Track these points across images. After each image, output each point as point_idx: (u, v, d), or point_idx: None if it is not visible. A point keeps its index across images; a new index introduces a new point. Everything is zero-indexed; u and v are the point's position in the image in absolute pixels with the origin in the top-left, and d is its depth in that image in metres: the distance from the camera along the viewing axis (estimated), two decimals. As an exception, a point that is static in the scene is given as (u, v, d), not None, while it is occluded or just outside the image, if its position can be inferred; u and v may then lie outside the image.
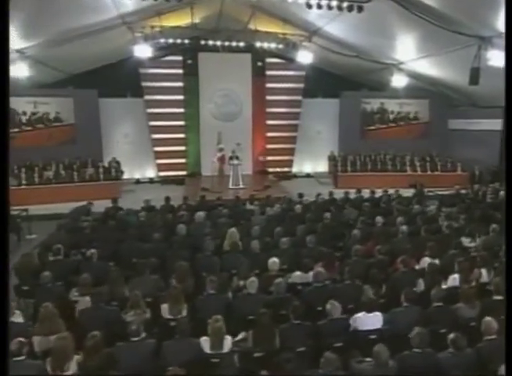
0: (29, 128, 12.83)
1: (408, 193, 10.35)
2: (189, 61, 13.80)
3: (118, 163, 13.14)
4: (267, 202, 8.23)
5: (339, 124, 14.88)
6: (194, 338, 3.41)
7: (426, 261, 5.31)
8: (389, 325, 3.81)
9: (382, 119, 14.84)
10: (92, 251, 5.20)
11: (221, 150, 13.54)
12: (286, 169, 15.00)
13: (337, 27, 10.78)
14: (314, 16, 10.34)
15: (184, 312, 4.00)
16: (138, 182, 14.03)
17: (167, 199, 8.35)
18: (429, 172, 13.08)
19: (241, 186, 12.07)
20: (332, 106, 14.82)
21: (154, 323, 3.97)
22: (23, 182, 11.28)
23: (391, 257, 5.37)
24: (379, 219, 6.69)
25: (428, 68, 11.95)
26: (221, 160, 13.44)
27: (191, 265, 5.27)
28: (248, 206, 8.32)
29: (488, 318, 3.54)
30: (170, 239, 5.85)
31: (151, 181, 14.20)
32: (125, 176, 13.68)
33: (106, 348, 3.20)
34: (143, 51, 11.10)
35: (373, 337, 3.69)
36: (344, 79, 14.67)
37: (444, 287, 4.79)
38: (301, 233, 6.18)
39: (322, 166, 14.86)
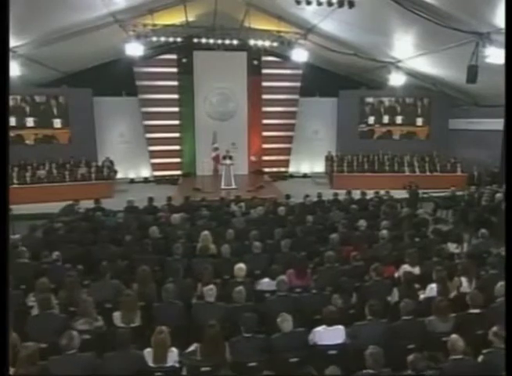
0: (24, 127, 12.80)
1: (403, 194, 10.07)
2: (184, 60, 13.65)
3: (112, 162, 13.07)
4: (251, 204, 8.00)
5: (337, 123, 14.59)
6: (137, 350, 3.22)
7: (405, 268, 5.07)
8: (352, 340, 3.58)
9: (381, 118, 14.49)
10: (57, 253, 5.05)
11: (216, 149, 13.39)
12: (282, 169, 14.78)
13: (333, 24, 10.53)
14: (308, 13, 10.10)
15: (137, 321, 3.83)
16: (132, 181, 13.96)
17: (150, 199, 8.20)
18: (428, 173, 12.73)
19: (233, 187, 11.88)
20: (330, 105, 14.54)
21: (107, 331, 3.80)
22: (15, 181, 11.26)
23: (368, 264, 5.12)
24: (362, 223, 6.43)
25: (426, 66, 11.60)
26: (216, 159, 13.28)
27: (160, 270, 5.12)
28: (233, 207, 8.12)
29: (454, 336, 3.28)
30: (141, 242, 5.67)
31: (146, 180, 14.11)
32: (120, 176, 13.63)
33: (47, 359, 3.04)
34: (135, 49, 10.96)
35: (332, 352, 3.47)
36: (342, 78, 14.39)
37: (422, 296, 4.56)
38: (278, 237, 5.96)
39: (320, 166, 14.57)
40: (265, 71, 14.10)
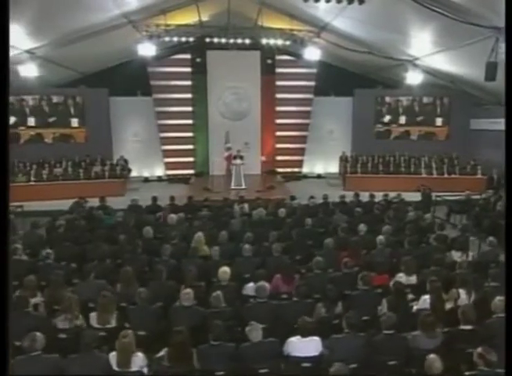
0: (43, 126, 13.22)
1: (416, 197, 9.68)
2: (198, 59, 13.69)
3: (126, 161, 13.31)
4: (253, 205, 7.90)
5: (352, 123, 14.23)
6: (102, 353, 3.21)
7: (400, 277, 4.84)
8: (328, 353, 3.42)
9: (398, 118, 14.02)
10: (48, 251, 5.14)
11: (228, 149, 13.36)
12: (296, 170, 14.58)
13: (346, 22, 10.29)
14: (320, 10, 9.91)
15: (113, 322, 3.82)
16: (146, 180, 14.14)
17: (154, 199, 8.26)
18: (446, 175, 12.19)
19: (243, 187, 11.81)
20: (345, 104, 14.21)
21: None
22: (32, 178, 11.65)
23: (360, 271, 4.91)
24: (362, 227, 6.20)
25: (445, 63, 11.10)
26: (229, 159, 13.24)
27: (150, 270, 5.12)
28: (235, 208, 8.03)
29: (432, 356, 3.05)
30: (134, 241, 5.68)
31: (159, 179, 14.27)
32: (134, 174, 13.89)
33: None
34: (147, 49, 11.09)
35: (306, 365, 3.33)
36: (357, 76, 14.03)
37: (416, 308, 4.33)
38: (272, 240, 5.84)
39: (334, 167, 14.23)
40: (278, 70, 13.94)
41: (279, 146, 14.41)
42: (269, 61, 13.97)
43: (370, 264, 5.09)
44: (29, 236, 6.29)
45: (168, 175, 14.16)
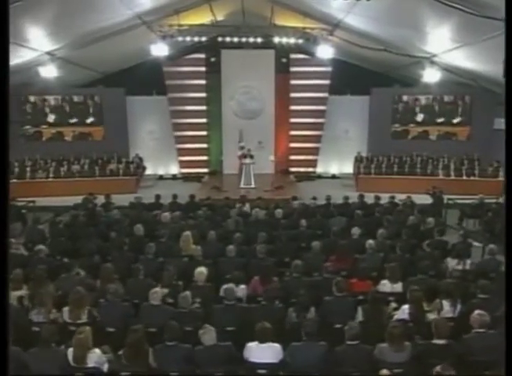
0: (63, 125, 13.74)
1: (429, 199, 9.29)
2: (212, 59, 13.76)
3: (141, 159, 13.62)
4: (253, 205, 7.86)
5: (368, 123, 13.86)
6: (60, 348, 3.29)
7: (384, 284, 4.67)
8: (288, 361, 3.33)
9: (416, 117, 13.51)
10: (41, 246, 5.33)
11: (242, 148, 13.36)
12: (310, 169, 14.36)
13: (360, 19, 9.99)
14: (332, 7, 9.76)
15: (84, 318, 3.91)
16: (161, 178, 14.39)
17: (158, 197, 8.40)
18: (464, 177, 11.64)
19: (252, 186, 11.80)
20: (361, 103, 13.85)
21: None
22: (51, 175, 12.16)
23: (347, 276, 4.77)
24: (355, 231, 6.02)
25: (463, 60, 10.58)
26: (242, 158, 13.24)
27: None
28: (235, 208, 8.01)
29: (384, 371, 2.91)
30: (122, 239, 5.79)
31: (174, 177, 14.48)
32: (150, 172, 14.19)
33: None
34: (160, 50, 11.26)
35: (262, 372, 3.26)
36: (374, 75, 13.62)
37: (395, 318, 4.15)
38: (260, 241, 5.77)
39: (350, 167, 13.94)
40: (293, 69, 13.77)
41: (292, 145, 14.26)
42: (284, 60, 13.83)
43: (356, 269, 4.93)
44: (30, 231, 6.56)
45: (183, 174, 14.35)
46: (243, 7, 12.06)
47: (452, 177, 11.69)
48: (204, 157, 14.42)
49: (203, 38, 12.14)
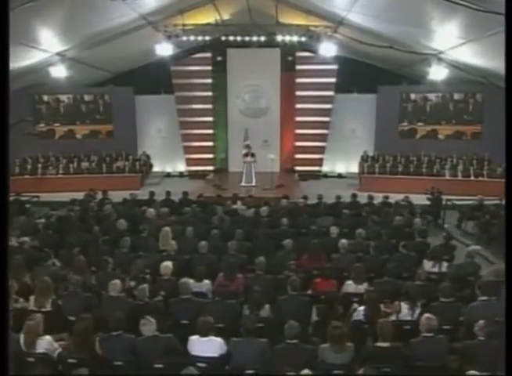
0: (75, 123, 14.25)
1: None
2: (219, 58, 13.89)
3: (148, 156, 13.94)
4: (243, 202, 7.92)
5: (375, 121, 13.62)
6: (14, 333, 3.46)
7: (349, 285, 4.64)
8: (229, 356, 3.38)
9: (424, 116, 13.15)
10: (25, 238, 5.59)
11: (247, 146, 13.43)
12: (315, 168, 14.25)
13: (364, 16, 9.86)
14: (335, 5, 9.68)
15: (48, 306, 4.09)
16: (168, 175, 14.67)
17: (152, 194, 8.59)
18: (472, 178, 11.25)
19: (253, 184, 11.85)
20: (368, 101, 13.62)
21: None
22: (60, 171, 12.64)
23: (308, 275, 4.77)
24: (334, 230, 5.97)
25: (472, 56, 10.22)
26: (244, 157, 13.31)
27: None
28: (233, 206, 8.05)
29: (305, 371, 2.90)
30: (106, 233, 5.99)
31: (181, 175, 14.73)
32: (157, 169, 14.50)
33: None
34: (165, 49, 11.47)
35: (201, 365, 3.32)
36: (381, 73, 13.34)
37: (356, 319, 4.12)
38: (237, 238, 5.82)
39: (356, 166, 13.75)
40: (299, 67, 13.70)
41: (298, 144, 14.19)
42: (290, 58, 13.79)
43: (325, 268, 4.90)
44: (25, 224, 6.87)
45: (189, 171, 14.57)
46: (248, 6, 12.10)
47: (459, 177, 11.32)
48: (210, 155, 14.58)
49: (209, 38, 12.26)
